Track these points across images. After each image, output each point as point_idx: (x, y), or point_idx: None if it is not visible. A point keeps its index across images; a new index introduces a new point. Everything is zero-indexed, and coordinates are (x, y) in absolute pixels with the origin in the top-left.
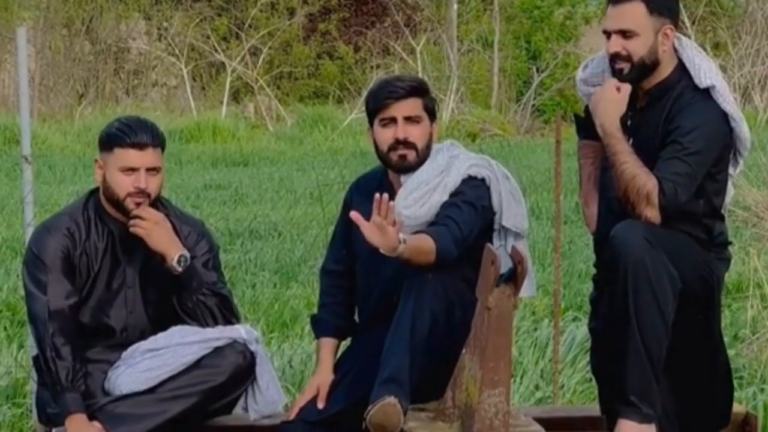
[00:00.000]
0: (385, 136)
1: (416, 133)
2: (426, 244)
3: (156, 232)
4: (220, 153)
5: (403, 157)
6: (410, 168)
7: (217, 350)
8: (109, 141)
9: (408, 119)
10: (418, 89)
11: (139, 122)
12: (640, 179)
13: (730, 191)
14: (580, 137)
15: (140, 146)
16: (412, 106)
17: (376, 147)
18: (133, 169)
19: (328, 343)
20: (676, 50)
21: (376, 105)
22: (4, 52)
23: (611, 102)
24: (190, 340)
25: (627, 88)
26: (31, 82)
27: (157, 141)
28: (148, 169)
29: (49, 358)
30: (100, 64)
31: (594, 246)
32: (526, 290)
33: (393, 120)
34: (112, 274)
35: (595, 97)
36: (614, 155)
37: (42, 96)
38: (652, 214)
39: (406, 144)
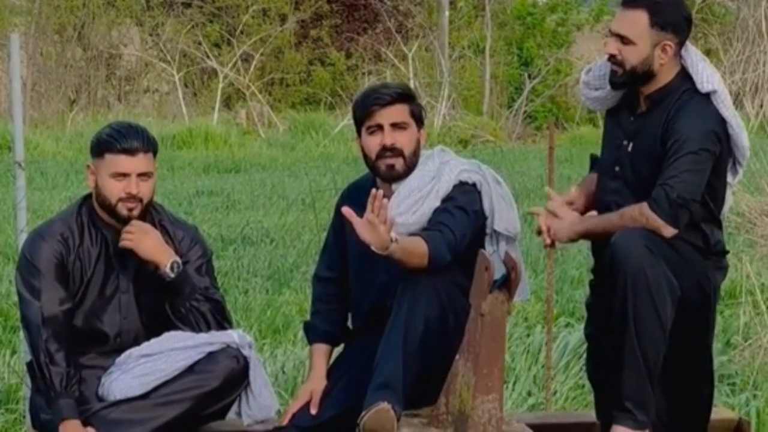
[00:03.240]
0: (373, 143)
1: (403, 140)
2: (419, 246)
3: (144, 241)
4: (212, 159)
5: (390, 166)
6: (399, 177)
7: (211, 355)
8: (100, 147)
9: (395, 125)
10: (404, 95)
11: (129, 128)
12: (627, 212)
13: (729, 200)
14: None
15: (131, 152)
16: (398, 112)
17: (365, 155)
18: (124, 175)
19: (321, 349)
20: (680, 56)
21: (363, 112)
22: None
23: (558, 222)
24: (183, 346)
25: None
26: (23, 88)
27: (148, 146)
28: (139, 175)
29: (42, 363)
30: (91, 70)
31: (592, 251)
32: (520, 293)
33: (380, 127)
34: (105, 280)
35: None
36: (603, 229)
37: (34, 102)
38: (660, 226)
39: (394, 151)
